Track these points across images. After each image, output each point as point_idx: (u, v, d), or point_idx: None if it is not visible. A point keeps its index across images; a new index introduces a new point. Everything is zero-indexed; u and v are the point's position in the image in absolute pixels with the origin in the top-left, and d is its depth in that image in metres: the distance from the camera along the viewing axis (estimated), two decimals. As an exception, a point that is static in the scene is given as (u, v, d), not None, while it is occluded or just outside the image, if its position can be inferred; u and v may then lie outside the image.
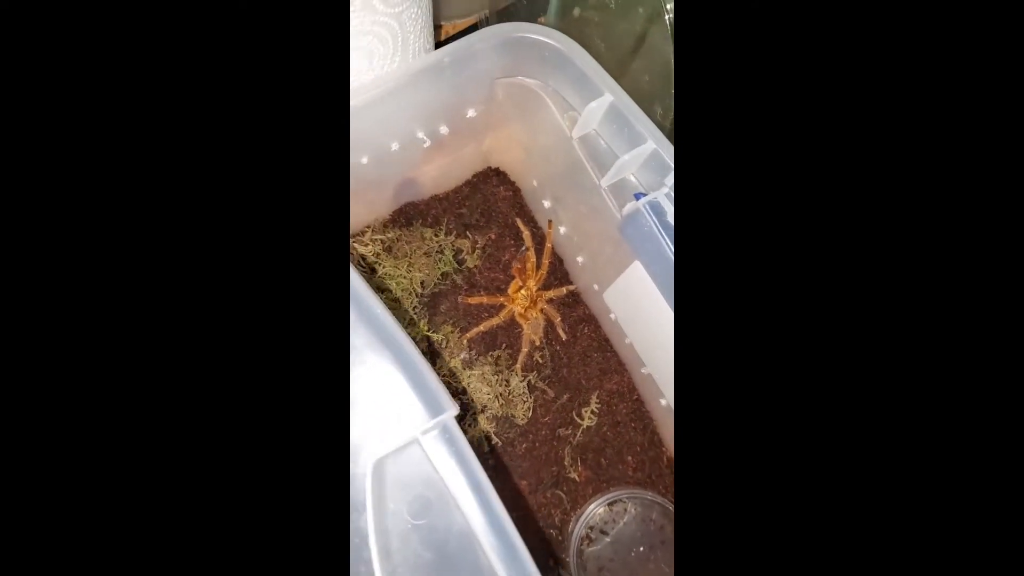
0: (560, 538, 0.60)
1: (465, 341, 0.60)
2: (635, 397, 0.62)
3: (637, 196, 0.47)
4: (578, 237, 0.60)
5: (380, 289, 0.59)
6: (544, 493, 0.60)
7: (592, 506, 0.60)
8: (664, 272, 0.46)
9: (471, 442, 0.58)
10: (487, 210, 0.65)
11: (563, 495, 0.60)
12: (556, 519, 0.60)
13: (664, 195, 0.46)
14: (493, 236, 0.64)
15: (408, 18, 0.51)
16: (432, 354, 0.59)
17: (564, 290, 0.62)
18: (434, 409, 0.35)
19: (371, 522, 0.33)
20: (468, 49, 0.47)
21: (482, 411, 0.59)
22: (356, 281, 0.37)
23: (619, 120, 0.46)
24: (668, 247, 0.45)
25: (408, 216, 0.63)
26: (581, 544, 0.60)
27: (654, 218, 0.45)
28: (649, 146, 0.45)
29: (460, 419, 0.58)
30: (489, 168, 0.66)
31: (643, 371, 0.59)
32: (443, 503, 0.34)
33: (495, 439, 0.59)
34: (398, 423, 0.35)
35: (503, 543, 0.34)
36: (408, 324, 0.58)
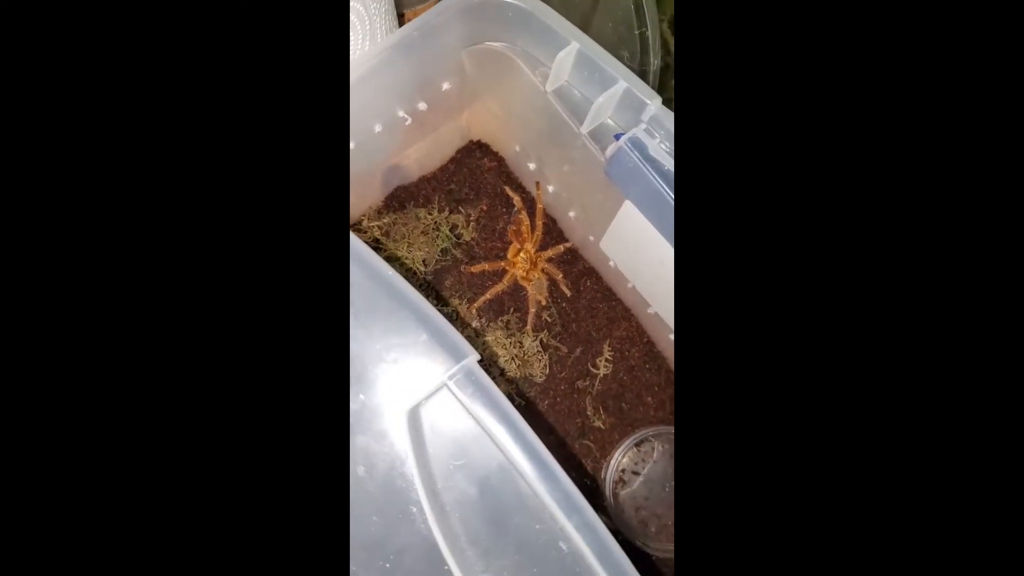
0: (594, 485, 0.62)
1: (474, 311, 0.62)
2: (645, 340, 0.64)
3: (617, 136, 0.49)
4: (567, 193, 0.61)
5: (384, 272, 0.60)
6: (572, 445, 0.62)
7: (620, 450, 0.62)
8: (655, 205, 0.48)
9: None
10: (475, 183, 0.66)
11: (591, 444, 0.62)
12: (588, 468, 0.62)
13: (643, 131, 0.48)
14: (485, 207, 0.66)
15: (373, 3, 0.52)
16: (444, 326, 0.61)
17: (561, 247, 0.64)
18: (456, 355, 0.37)
19: (415, 468, 0.35)
20: (436, 20, 0.49)
21: (501, 374, 0.60)
22: (360, 247, 0.38)
23: (589, 66, 0.48)
24: (654, 179, 0.47)
25: (400, 200, 0.65)
26: (615, 488, 0.62)
27: (636, 153, 0.47)
28: (621, 86, 0.47)
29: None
30: (471, 142, 0.67)
31: (649, 311, 0.60)
32: (478, 441, 0.36)
33: (516, 399, 0.60)
34: (425, 372, 0.36)
35: (540, 467, 0.36)
36: (416, 301, 0.60)
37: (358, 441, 0.35)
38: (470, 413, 0.36)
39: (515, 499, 0.36)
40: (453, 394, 0.36)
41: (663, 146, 0.47)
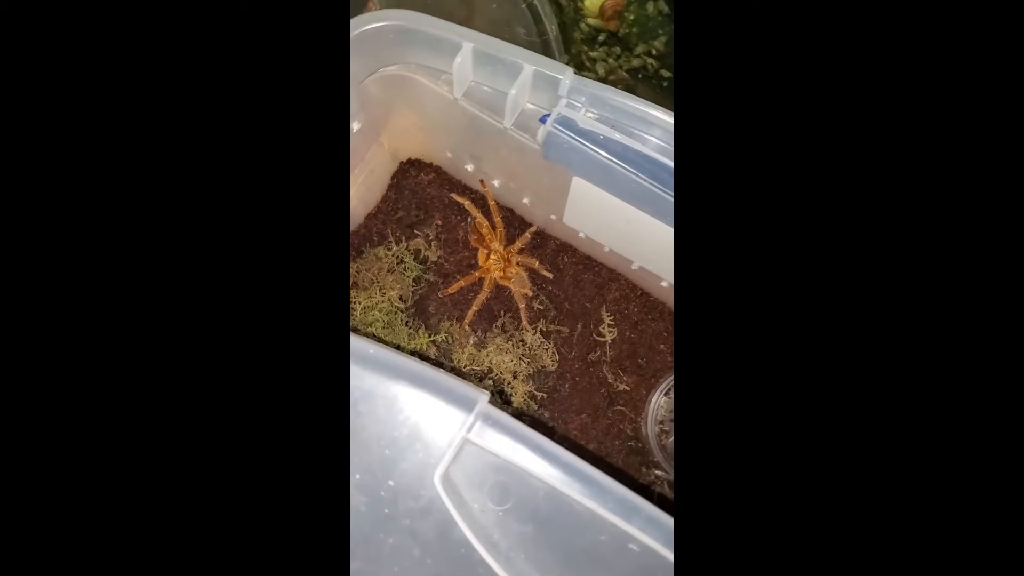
0: (640, 445, 0.62)
1: (467, 327, 0.61)
2: (639, 294, 0.64)
3: (543, 119, 0.47)
4: (514, 182, 0.60)
5: (367, 323, 0.59)
6: (606, 415, 0.62)
7: (652, 403, 0.62)
8: (602, 175, 0.47)
9: (517, 408, 0.60)
10: (421, 201, 0.64)
11: (623, 408, 0.62)
12: (628, 431, 0.62)
13: (565, 106, 0.46)
14: (440, 222, 0.64)
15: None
16: (443, 355, 0.60)
17: (527, 235, 0.62)
18: (466, 404, 0.36)
19: (466, 529, 0.35)
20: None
21: (515, 377, 0.60)
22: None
23: (489, 61, 0.46)
24: (593, 151, 0.45)
25: (355, 247, 0.63)
26: (659, 440, 0.62)
27: (567, 132, 0.45)
28: (528, 70, 0.45)
29: (498, 394, 0.59)
30: (402, 163, 0.65)
31: (634, 267, 0.60)
32: (517, 478, 0.36)
33: (538, 394, 0.60)
34: (442, 434, 0.36)
35: (585, 482, 0.35)
36: (410, 339, 0.59)
37: (402, 524, 0.35)
38: (499, 456, 0.36)
39: (572, 519, 0.36)
40: (477, 445, 0.36)
41: (590, 114, 0.46)
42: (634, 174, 0.44)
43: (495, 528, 0.36)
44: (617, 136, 0.44)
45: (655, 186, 0.44)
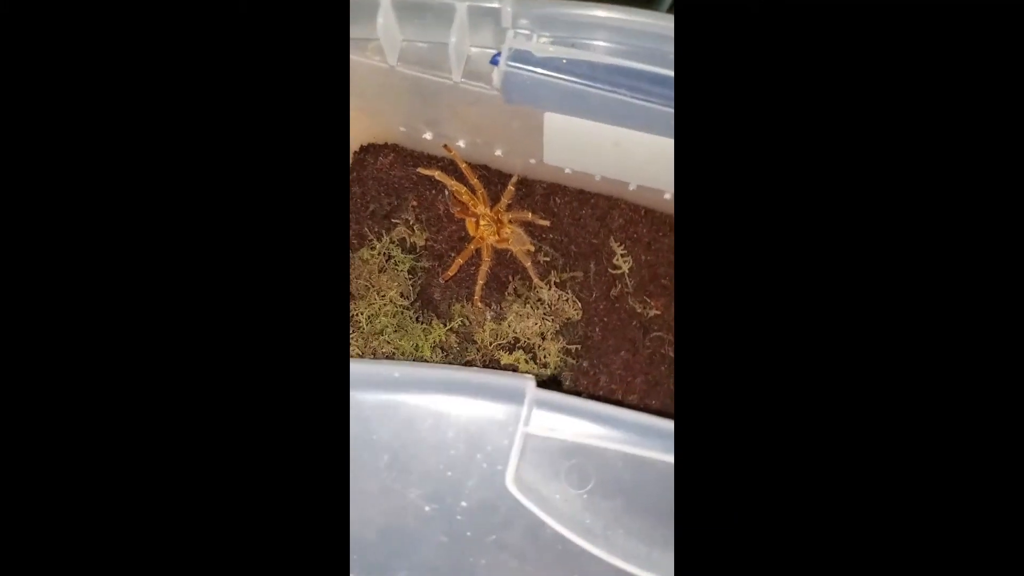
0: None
1: (479, 304, 0.57)
2: (643, 213, 0.60)
3: (494, 60, 0.42)
4: (480, 138, 0.54)
5: (377, 332, 0.55)
6: (644, 345, 0.59)
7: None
8: (575, 102, 0.42)
9: (555, 369, 0.57)
10: (388, 187, 0.59)
11: (660, 333, 0.60)
12: (671, 353, 0.60)
13: (513, 39, 0.40)
14: (415, 202, 0.59)
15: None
16: (465, 340, 0.57)
17: (511, 188, 0.58)
18: (513, 397, 0.33)
19: (555, 524, 0.32)
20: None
21: (543, 339, 0.57)
22: (360, 367, 0.34)
23: (415, 12, 0.40)
24: (558, 79, 0.40)
25: (337, 256, 0.58)
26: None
27: (525, 67, 0.40)
28: (462, 8, 0.39)
29: (532, 360, 0.56)
30: (355, 154, 0.60)
31: (632, 188, 0.55)
32: (590, 456, 0.33)
33: (571, 347, 0.57)
34: (499, 436, 0.33)
35: (655, 436, 0.33)
36: (426, 336, 0.55)
37: (488, 542, 0.33)
38: (565, 439, 0.33)
39: (656, 477, 0.33)
40: (538, 435, 0.33)
41: (543, 39, 0.40)
42: (612, 91, 0.39)
43: (584, 513, 0.33)
44: (581, 55, 0.39)
45: (638, 98, 0.39)
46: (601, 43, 0.39)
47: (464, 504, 0.32)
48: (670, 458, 0.32)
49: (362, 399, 0.33)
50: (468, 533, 0.32)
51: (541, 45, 0.40)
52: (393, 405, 0.33)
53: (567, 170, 0.55)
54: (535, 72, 0.40)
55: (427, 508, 0.33)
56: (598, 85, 0.39)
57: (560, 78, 0.40)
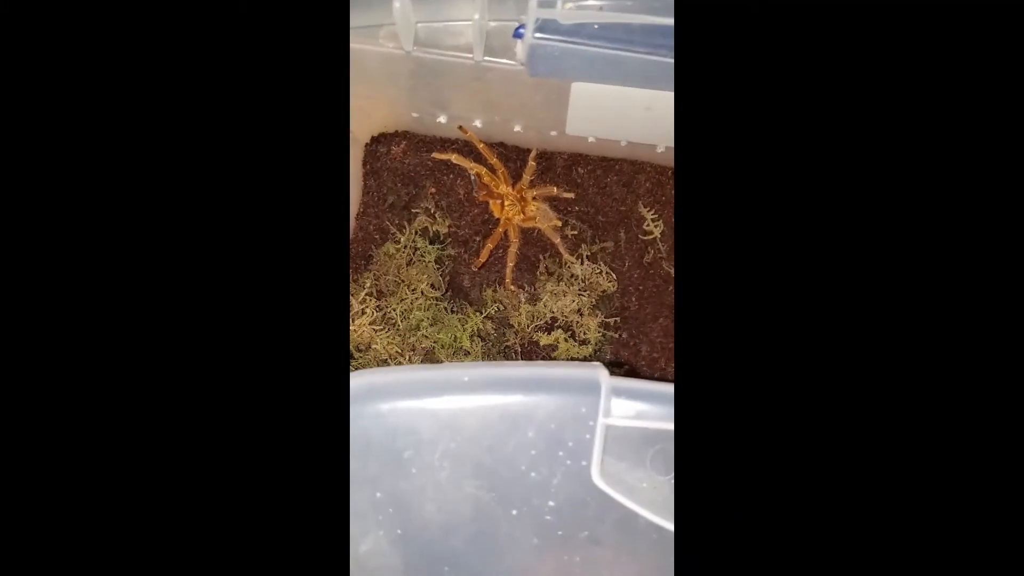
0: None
1: (511, 287, 0.56)
2: (670, 175, 0.58)
3: (517, 33, 0.39)
4: (498, 115, 0.52)
5: (413, 327, 0.54)
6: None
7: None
8: (607, 68, 0.39)
9: (595, 344, 0.56)
10: (404, 177, 0.57)
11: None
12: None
13: (538, 6, 0.38)
14: (433, 190, 0.57)
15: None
16: (502, 325, 0.55)
17: (532, 163, 0.55)
18: (590, 389, 0.32)
19: (648, 513, 0.32)
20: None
21: (581, 315, 0.55)
22: (427, 373, 0.32)
23: (430, -9, 0.37)
24: (588, 47, 0.38)
25: (362, 257, 0.56)
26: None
27: (553, 37, 0.38)
28: (481, -17, 0.36)
29: (572, 338, 0.55)
30: (366, 146, 0.57)
31: (659, 151, 0.53)
32: (670, 439, 0.32)
33: (610, 320, 0.56)
34: (580, 430, 0.32)
35: None
36: (463, 326, 0.54)
37: (581, 538, 0.32)
38: (646, 426, 0.32)
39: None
40: (618, 425, 0.32)
41: (569, 4, 0.38)
42: (647, 53, 0.37)
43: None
44: (614, 17, 0.36)
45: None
46: (633, 0, 0.36)
47: (552, 503, 0.32)
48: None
49: (434, 407, 0.32)
50: (559, 532, 0.32)
51: (568, 11, 0.37)
52: (468, 410, 0.31)
53: (590, 139, 0.53)
54: (564, 42, 0.37)
55: (514, 512, 0.32)
56: (635, 48, 0.36)
57: (591, 45, 0.37)
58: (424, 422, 0.31)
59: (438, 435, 0.31)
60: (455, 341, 0.54)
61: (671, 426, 0.32)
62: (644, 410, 0.32)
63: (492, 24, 0.40)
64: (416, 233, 0.56)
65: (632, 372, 0.58)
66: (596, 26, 0.37)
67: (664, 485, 0.33)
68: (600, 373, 0.32)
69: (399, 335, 0.54)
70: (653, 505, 0.32)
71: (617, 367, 0.58)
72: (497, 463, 0.31)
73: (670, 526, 0.32)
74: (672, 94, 0.42)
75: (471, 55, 0.40)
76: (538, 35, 0.37)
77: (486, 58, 0.40)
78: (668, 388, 0.33)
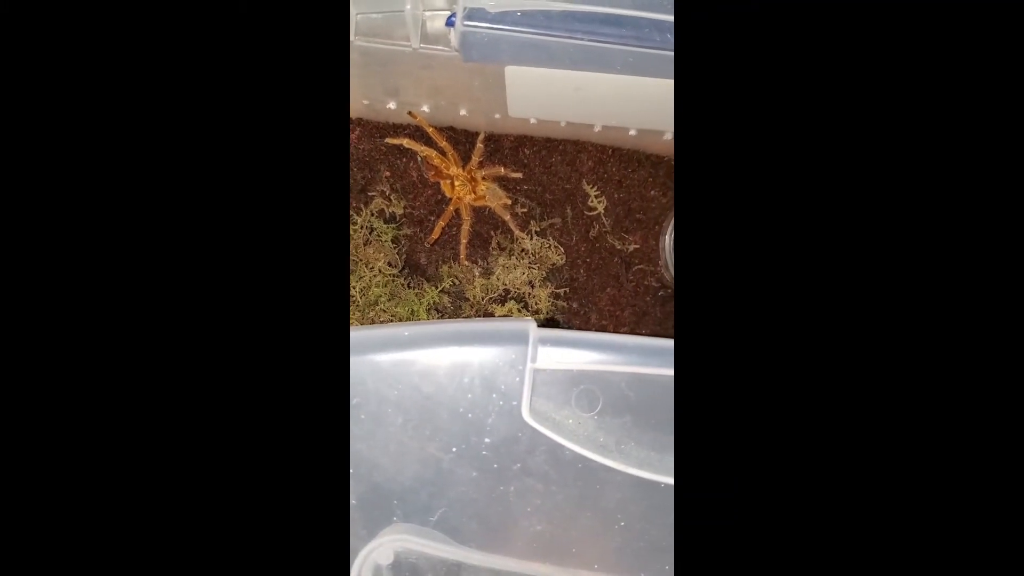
0: (669, 290, 0.63)
1: (466, 262, 0.59)
2: (610, 152, 0.62)
3: (449, 22, 0.43)
4: (443, 100, 0.55)
5: (372, 303, 0.57)
6: (628, 279, 0.62)
7: (665, 247, 0.62)
8: (535, 52, 0.43)
9: (547, 314, 0.60)
10: (359, 162, 0.60)
11: (641, 266, 0.63)
12: (654, 282, 0.63)
13: (466, -4, 0.41)
14: (388, 173, 0.60)
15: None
16: (458, 298, 0.59)
17: (480, 146, 0.59)
18: (519, 338, 0.36)
19: (573, 446, 0.36)
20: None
21: (532, 287, 0.59)
22: (373, 331, 0.36)
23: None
24: (516, 33, 0.41)
25: (320, 235, 0.60)
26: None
27: (482, 25, 0.41)
28: (413, -25, 0.40)
29: (524, 308, 0.59)
30: (322, 132, 0.60)
31: (597, 130, 0.57)
32: (595, 380, 0.36)
33: (559, 291, 0.60)
34: (511, 375, 0.35)
35: (651, 355, 0.36)
36: (420, 299, 0.58)
37: (514, 470, 0.36)
38: (570, 369, 0.36)
39: (660, 391, 0.37)
40: (545, 369, 0.36)
41: (496, -8, 0.41)
42: (570, 38, 0.41)
43: (598, 432, 0.37)
44: (535, 4, 0.40)
45: (597, 41, 0.40)
46: (552, -10, 0.40)
47: (488, 440, 0.35)
48: (669, 372, 0.36)
49: (378, 360, 0.35)
50: (495, 465, 0.36)
51: (494, 1, 0.41)
52: (409, 361, 0.35)
53: (532, 120, 0.57)
54: (492, 29, 0.41)
55: (454, 449, 0.35)
56: (555, 33, 0.40)
57: (518, 31, 0.41)
58: (370, 374, 0.35)
59: (384, 385, 0.35)
60: (412, 315, 0.58)
61: (593, 367, 0.36)
62: (568, 355, 0.36)
63: (428, 13, 0.43)
64: (372, 214, 0.59)
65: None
66: (519, 13, 0.40)
67: (588, 421, 0.36)
68: (529, 325, 0.36)
69: (359, 311, 0.57)
70: (578, 439, 0.36)
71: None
72: (437, 407, 0.35)
73: (593, 456, 0.36)
74: (599, 76, 0.45)
75: (410, 43, 0.44)
76: (467, 23, 0.41)
77: (422, 46, 0.44)
78: (590, 335, 0.37)
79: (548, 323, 0.60)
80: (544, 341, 0.36)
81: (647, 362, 0.36)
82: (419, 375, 0.35)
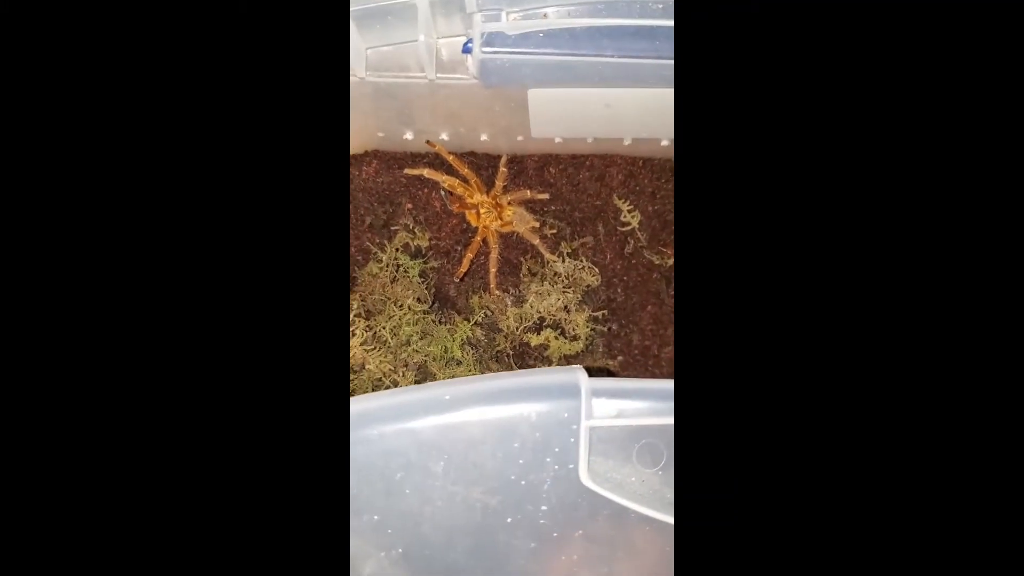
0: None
1: (496, 292, 0.56)
2: (641, 164, 0.58)
3: (466, 49, 0.40)
4: (463, 127, 0.52)
5: (404, 342, 0.55)
6: (669, 295, 0.59)
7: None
8: (559, 72, 0.40)
9: (586, 340, 0.56)
10: (379, 196, 0.58)
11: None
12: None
13: (481, 20, 0.38)
14: (409, 206, 0.58)
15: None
16: (491, 330, 0.56)
17: (503, 169, 0.56)
18: (570, 392, 0.33)
19: (638, 507, 0.33)
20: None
21: (568, 312, 0.56)
22: (411, 395, 0.33)
23: (375, 17, 0.38)
24: (537, 55, 0.38)
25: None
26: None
27: (501, 50, 0.38)
28: (424, 3, 0.37)
29: (561, 335, 0.56)
30: (338, 168, 0.58)
31: (626, 143, 0.54)
32: (658, 433, 0.33)
33: (597, 314, 0.57)
34: (565, 434, 0.32)
35: None
36: (452, 335, 0.55)
37: (576, 537, 0.33)
38: (629, 424, 0.33)
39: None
40: (602, 426, 0.33)
41: (513, 15, 0.38)
42: (597, 56, 0.37)
43: (664, 488, 0.33)
44: (558, 23, 0.37)
45: (625, 57, 0.37)
46: (575, 6, 0.37)
47: (545, 508, 0.32)
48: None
49: (419, 427, 0.32)
50: (555, 534, 0.33)
51: (513, 23, 0.37)
52: (453, 427, 0.32)
53: (557, 139, 0.53)
54: (512, 53, 0.38)
55: (509, 520, 0.33)
56: (582, 52, 0.37)
57: (540, 54, 0.38)
58: (412, 444, 0.32)
59: (427, 455, 0.32)
60: (446, 352, 0.55)
61: (653, 421, 0.33)
62: (625, 407, 0.33)
63: (441, 41, 0.40)
64: (397, 250, 0.56)
65: (627, 363, 0.58)
66: (542, 34, 0.37)
67: (652, 478, 0.33)
68: (579, 376, 0.33)
69: (390, 352, 0.54)
70: (642, 498, 0.33)
71: (611, 359, 0.59)
72: (487, 476, 0.32)
73: (661, 516, 0.33)
74: (630, 90, 0.42)
75: (425, 74, 0.41)
76: (487, 49, 0.38)
77: (439, 75, 0.41)
78: (648, 384, 0.34)
79: (587, 350, 0.57)
80: (598, 393, 0.33)
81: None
82: (465, 443, 0.32)
